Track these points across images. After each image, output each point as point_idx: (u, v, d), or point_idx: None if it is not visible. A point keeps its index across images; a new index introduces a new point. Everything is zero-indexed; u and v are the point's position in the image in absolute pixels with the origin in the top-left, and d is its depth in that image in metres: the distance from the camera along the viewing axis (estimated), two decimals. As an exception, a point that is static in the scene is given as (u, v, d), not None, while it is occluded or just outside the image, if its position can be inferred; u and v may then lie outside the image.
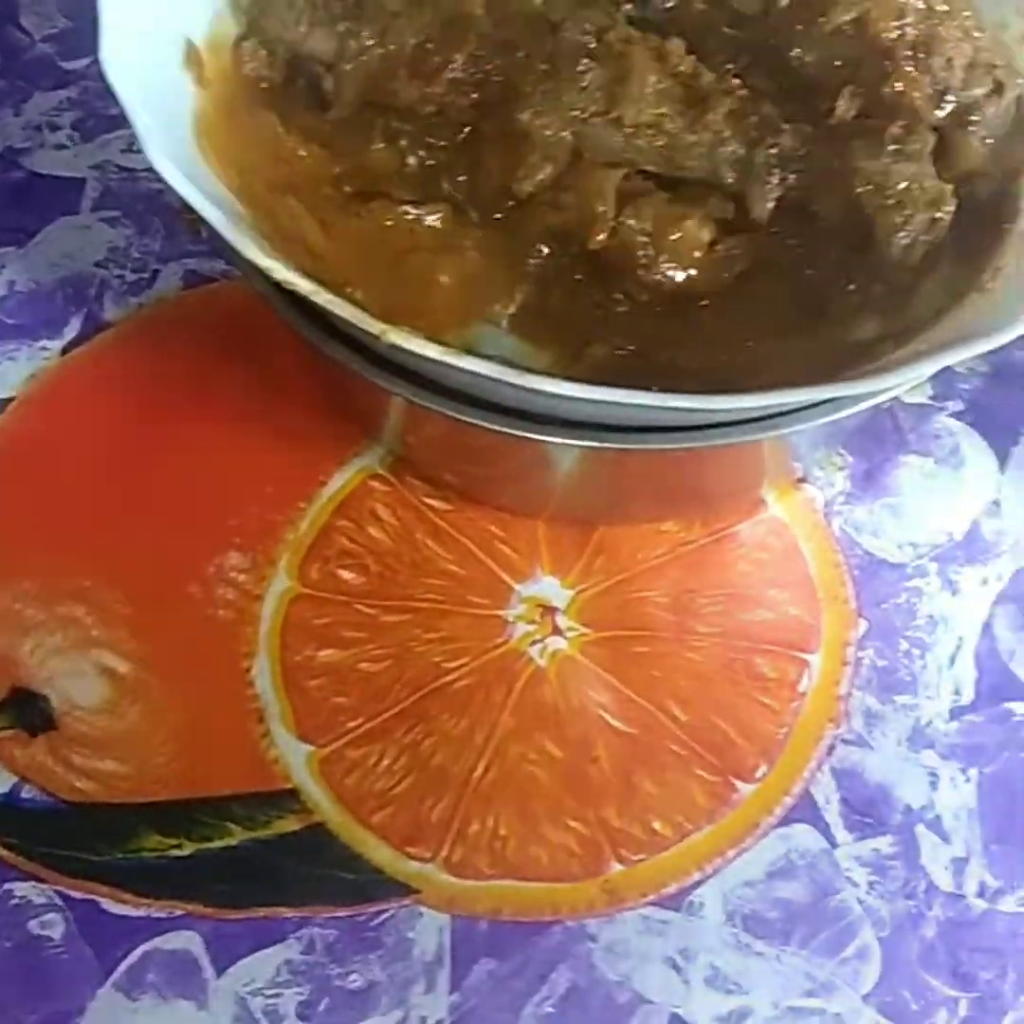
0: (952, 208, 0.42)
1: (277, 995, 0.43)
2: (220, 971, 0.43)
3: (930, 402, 0.54)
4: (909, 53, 0.43)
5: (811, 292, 0.44)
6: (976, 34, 0.44)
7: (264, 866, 0.45)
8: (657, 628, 0.49)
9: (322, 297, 0.36)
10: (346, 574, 0.49)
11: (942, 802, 0.47)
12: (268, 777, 0.46)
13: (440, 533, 0.50)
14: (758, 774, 0.47)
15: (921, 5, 0.43)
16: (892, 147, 0.42)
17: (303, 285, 0.37)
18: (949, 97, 0.44)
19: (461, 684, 0.48)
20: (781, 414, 0.42)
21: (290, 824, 0.45)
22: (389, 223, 0.45)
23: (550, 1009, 0.43)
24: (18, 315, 0.54)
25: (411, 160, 0.46)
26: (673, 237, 0.42)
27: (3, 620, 0.48)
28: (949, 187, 0.42)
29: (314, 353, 0.42)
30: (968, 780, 0.47)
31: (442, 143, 0.45)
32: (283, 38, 0.44)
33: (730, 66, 0.45)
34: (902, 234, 0.42)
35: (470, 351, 0.40)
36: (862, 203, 0.42)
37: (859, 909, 0.45)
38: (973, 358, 0.54)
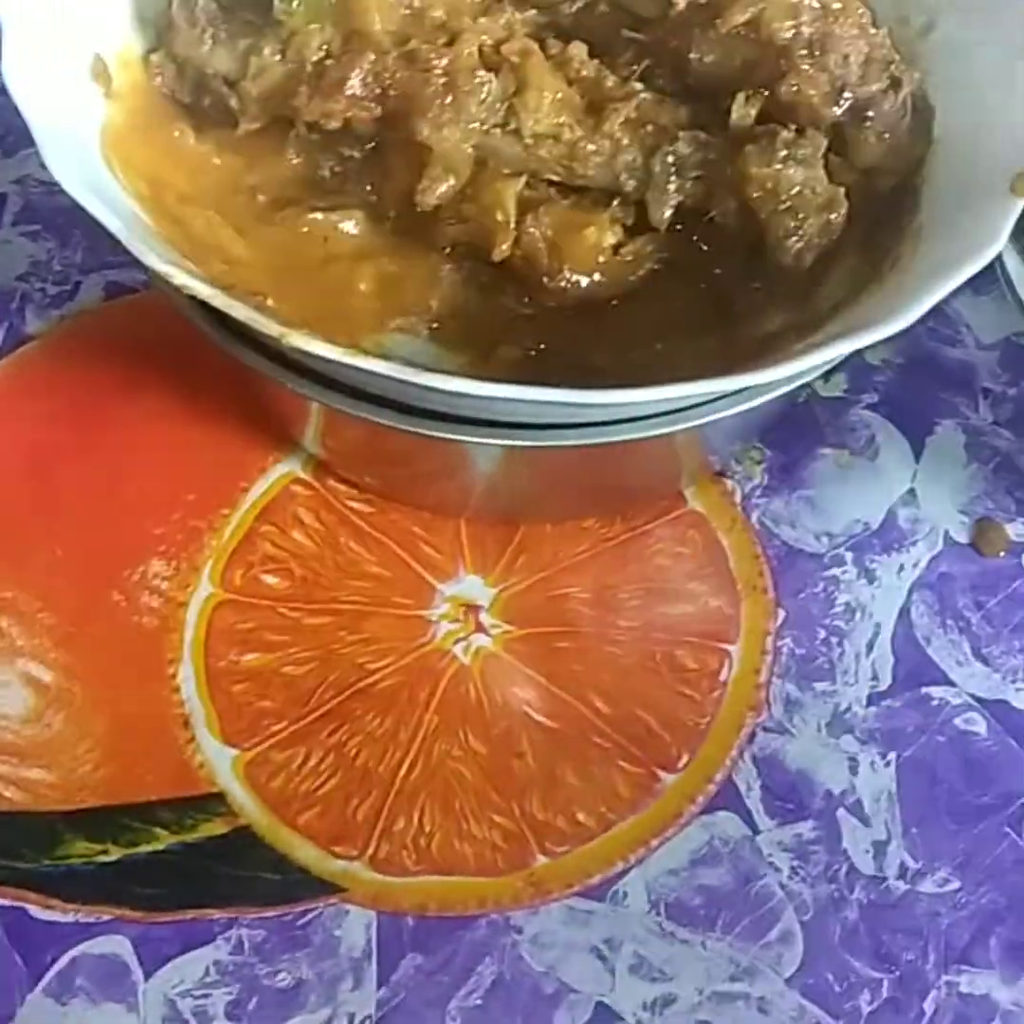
0: (845, 211, 0.43)
1: (206, 996, 0.43)
2: (149, 974, 0.43)
3: (845, 395, 0.55)
4: (805, 52, 0.44)
5: (718, 290, 0.45)
6: (872, 30, 0.45)
7: (191, 869, 0.45)
8: (579, 624, 0.50)
9: (220, 301, 0.37)
10: (270, 579, 0.50)
11: (862, 786, 0.47)
12: (194, 782, 0.46)
13: (363, 535, 0.51)
14: (681, 764, 0.47)
15: (816, 4, 0.44)
16: (783, 153, 0.42)
17: (201, 289, 0.37)
18: (846, 94, 0.44)
19: (385, 684, 0.48)
20: (689, 407, 0.42)
21: (217, 827, 0.46)
22: (305, 230, 0.45)
23: (477, 1001, 0.43)
24: (-59, 331, 0.55)
25: (324, 171, 0.46)
26: (575, 244, 0.43)
27: (-72, 633, 0.48)
28: (841, 190, 0.43)
29: (232, 361, 0.43)
30: (887, 764, 0.48)
31: (353, 154, 0.46)
32: (187, 55, 0.45)
33: (634, 68, 0.46)
34: (794, 239, 0.43)
35: (385, 356, 0.41)
36: (756, 208, 0.43)
37: (781, 894, 0.46)
38: (887, 351, 0.55)
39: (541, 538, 0.51)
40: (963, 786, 0.48)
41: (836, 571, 0.51)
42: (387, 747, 0.47)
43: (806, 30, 0.44)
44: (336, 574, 0.50)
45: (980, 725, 0.49)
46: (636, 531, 0.51)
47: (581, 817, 0.46)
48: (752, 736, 0.48)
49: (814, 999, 0.44)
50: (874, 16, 0.46)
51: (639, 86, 0.45)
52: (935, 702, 0.49)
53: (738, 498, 0.53)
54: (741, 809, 0.47)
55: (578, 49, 0.45)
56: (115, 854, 0.45)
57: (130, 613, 0.49)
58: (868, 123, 0.45)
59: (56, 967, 0.43)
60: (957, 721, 0.49)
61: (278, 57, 0.44)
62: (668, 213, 0.44)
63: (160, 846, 0.45)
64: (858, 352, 0.40)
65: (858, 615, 0.50)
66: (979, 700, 0.49)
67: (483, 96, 0.43)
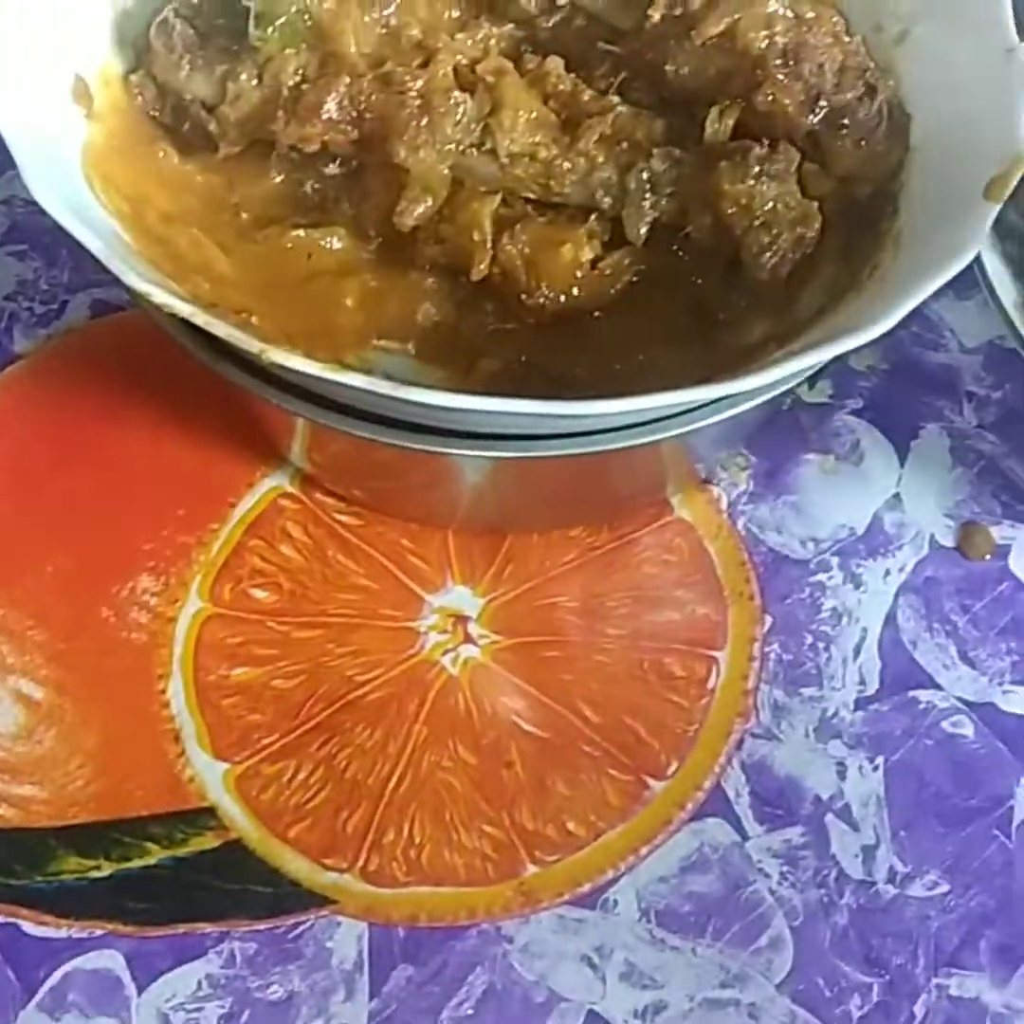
0: (818, 225, 0.44)
1: (199, 1009, 0.43)
2: (142, 988, 0.44)
3: (830, 401, 0.55)
4: (780, 61, 0.44)
5: (698, 300, 0.46)
6: (846, 38, 0.46)
7: (183, 883, 0.45)
8: (567, 633, 0.50)
9: (200, 318, 0.37)
10: (258, 593, 0.50)
11: (850, 791, 0.48)
12: (185, 796, 0.46)
13: (351, 548, 0.51)
14: (669, 771, 0.48)
15: (790, 14, 0.44)
16: (756, 168, 0.43)
17: (181, 307, 0.37)
18: (822, 102, 0.45)
19: (374, 696, 0.48)
20: (672, 416, 0.42)
21: (208, 841, 0.46)
22: (289, 246, 0.46)
23: (469, 1011, 0.44)
24: (-71, 350, 0.55)
25: (306, 188, 0.46)
26: (552, 261, 0.44)
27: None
28: (814, 205, 0.44)
29: (217, 378, 0.43)
30: (875, 768, 0.48)
31: (335, 172, 0.46)
32: (165, 79, 0.45)
33: (611, 81, 0.46)
34: (769, 254, 0.43)
35: (368, 370, 0.41)
36: (731, 224, 0.43)
37: (771, 899, 0.46)
38: (871, 356, 0.55)
39: (528, 548, 0.51)
40: (951, 789, 0.48)
41: (822, 576, 0.51)
42: (377, 759, 0.47)
43: (780, 40, 0.44)
44: (324, 587, 0.50)
45: (967, 728, 0.49)
46: (623, 540, 0.52)
47: (571, 826, 0.47)
48: (740, 742, 0.48)
49: (804, 1004, 0.44)
50: (848, 24, 0.46)
51: (616, 99, 0.45)
52: (922, 706, 0.49)
53: (724, 505, 0.53)
54: (730, 815, 0.47)
55: (555, 63, 0.45)
56: (107, 869, 0.45)
57: (119, 629, 0.49)
58: (844, 131, 0.45)
59: (49, 982, 0.44)
60: (944, 724, 0.49)
61: (255, 82, 0.44)
62: (644, 230, 0.44)
63: (152, 861, 0.46)
64: (842, 357, 0.40)
65: (845, 620, 0.51)
66: (966, 703, 0.49)
67: (458, 117, 0.43)
